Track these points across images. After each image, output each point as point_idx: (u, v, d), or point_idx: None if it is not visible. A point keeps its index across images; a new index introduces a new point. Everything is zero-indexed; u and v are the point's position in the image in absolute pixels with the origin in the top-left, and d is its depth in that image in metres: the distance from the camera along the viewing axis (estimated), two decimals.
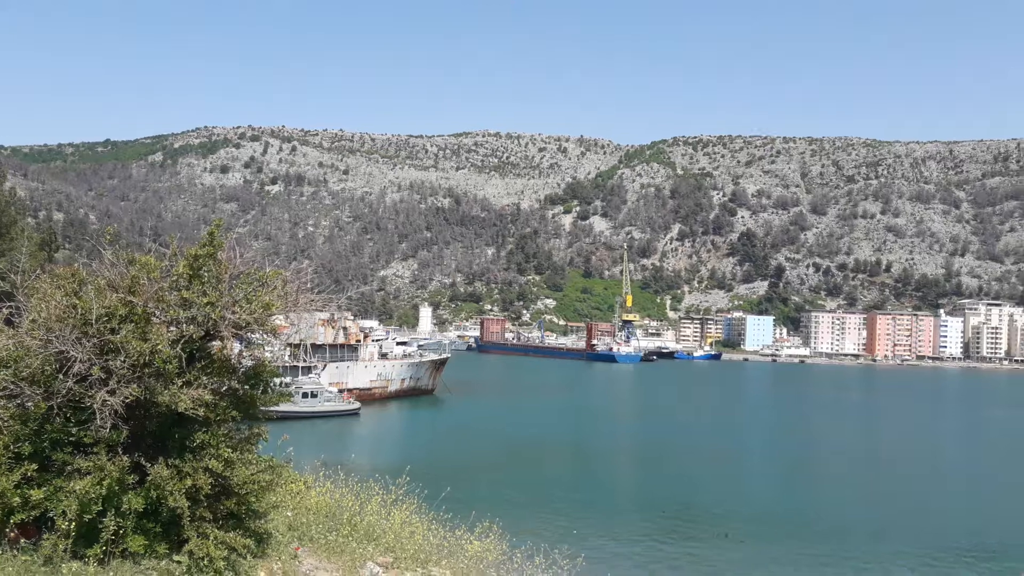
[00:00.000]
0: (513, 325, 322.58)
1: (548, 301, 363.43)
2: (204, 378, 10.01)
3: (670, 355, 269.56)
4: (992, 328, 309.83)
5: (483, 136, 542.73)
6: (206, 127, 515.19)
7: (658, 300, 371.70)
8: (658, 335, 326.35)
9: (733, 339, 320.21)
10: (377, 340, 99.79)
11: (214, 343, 10.46)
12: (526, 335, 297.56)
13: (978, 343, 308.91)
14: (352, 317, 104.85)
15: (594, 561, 24.11)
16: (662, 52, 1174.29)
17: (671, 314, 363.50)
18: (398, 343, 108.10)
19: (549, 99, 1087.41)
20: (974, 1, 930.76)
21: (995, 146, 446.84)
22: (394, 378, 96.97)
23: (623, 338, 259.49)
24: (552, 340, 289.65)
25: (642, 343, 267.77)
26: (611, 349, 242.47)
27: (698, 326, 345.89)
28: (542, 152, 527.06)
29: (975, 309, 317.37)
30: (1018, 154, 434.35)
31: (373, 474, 16.00)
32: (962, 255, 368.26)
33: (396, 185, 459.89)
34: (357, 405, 79.84)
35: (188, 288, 10.13)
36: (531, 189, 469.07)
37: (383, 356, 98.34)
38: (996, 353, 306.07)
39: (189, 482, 9.47)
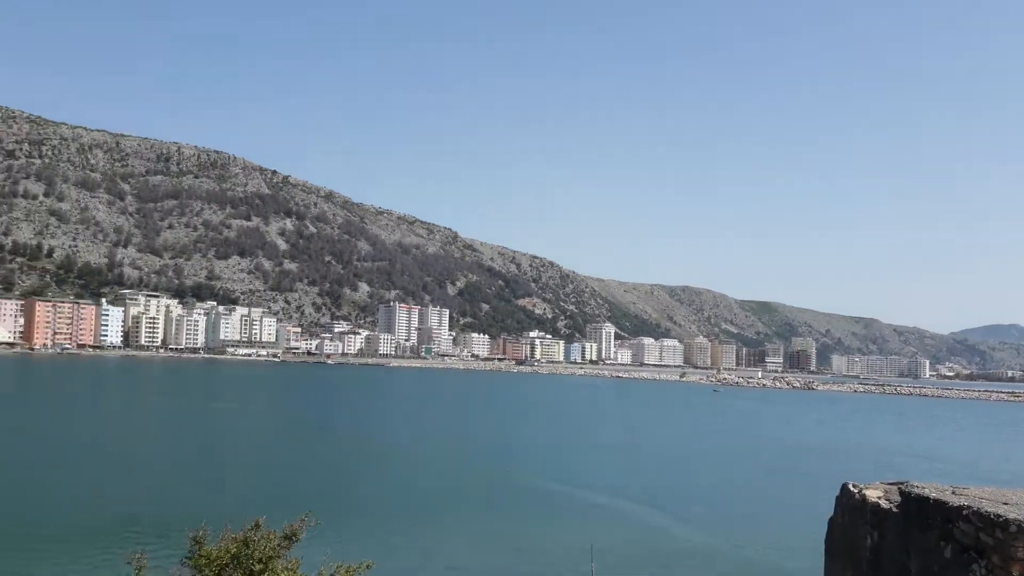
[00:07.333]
0: None
1: None
2: None
3: None
4: (151, 318, 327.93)
5: None
6: None
7: None
8: None
9: None
10: None
11: None
12: None
13: (138, 332, 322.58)
14: None
15: None
16: None
17: None
18: None
19: None
20: None
21: (158, 146, 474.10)
22: None
23: None
24: None
25: None
26: None
27: None
28: None
29: (135, 299, 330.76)
30: (178, 157, 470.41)
31: None
32: (125, 246, 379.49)
33: None
34: None
35: None
36: None
37: None
38: (154, 342, 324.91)
39: None
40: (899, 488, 8.00)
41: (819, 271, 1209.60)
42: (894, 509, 7.93)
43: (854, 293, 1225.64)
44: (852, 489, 9.33)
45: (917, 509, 7.36)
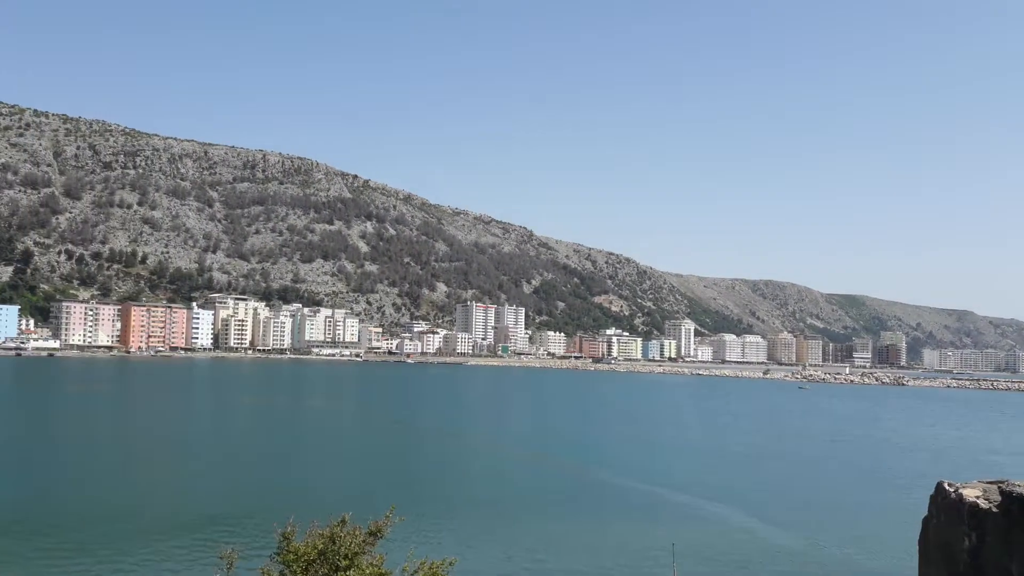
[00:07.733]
0: None
1: None
2: None
3: None
4: (239, 320, 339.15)
5: None
6: None
7: None
8: None
9: None
10: None
11: None
12: None
13: (227, 334, 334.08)
14: None
15: None
16: None
17: None
18: None
19: None
20: None
21: (245, 154, 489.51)
22: None
23: None
24: None
25: None
26: None
27: None
28: None
29: (224, 303, 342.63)
30: (263, 164, 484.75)
31: None
32: (214, 252, 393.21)
33: None
34: None
35: None
36: None
37: None
38: (242, 343, 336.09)
39: None
40: (999, 487, 7.66)
41: (908, 262, 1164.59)
42: (994, 509, 7.59)
43: (946, 284, 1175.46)
44: (948, 488, 8.96)
45: (1020, 509, 7.03)
